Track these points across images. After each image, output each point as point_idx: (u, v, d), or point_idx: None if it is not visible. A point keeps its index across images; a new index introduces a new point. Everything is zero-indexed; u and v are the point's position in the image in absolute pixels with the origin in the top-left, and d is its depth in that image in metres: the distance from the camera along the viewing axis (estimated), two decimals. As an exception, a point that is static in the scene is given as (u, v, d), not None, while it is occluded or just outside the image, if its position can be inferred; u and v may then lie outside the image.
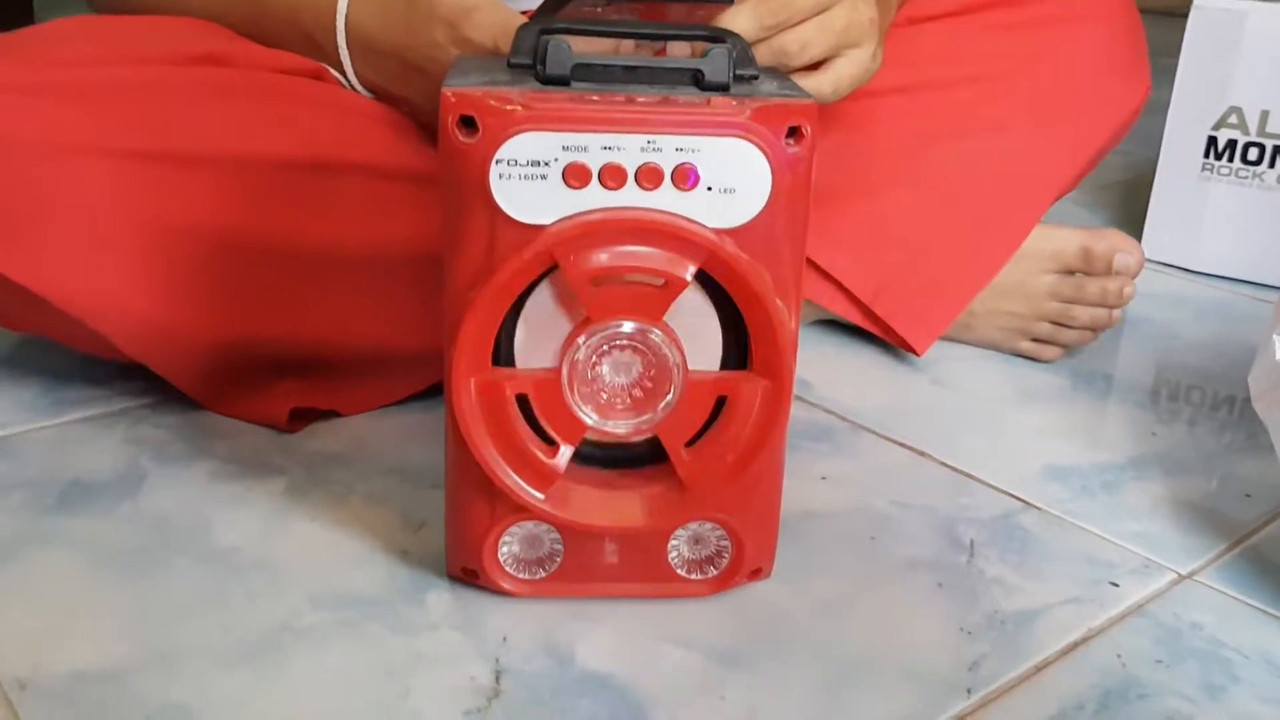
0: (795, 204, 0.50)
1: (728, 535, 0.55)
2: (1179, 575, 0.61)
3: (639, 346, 0.51)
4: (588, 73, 0.51)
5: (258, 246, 0.67)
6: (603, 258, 0.49)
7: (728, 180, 0.49)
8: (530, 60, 0.51)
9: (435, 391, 0.75)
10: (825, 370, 0.83)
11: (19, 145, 0.62)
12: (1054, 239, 0.82)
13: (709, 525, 0.55)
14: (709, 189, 0.49)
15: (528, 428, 0.53)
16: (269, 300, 0.68)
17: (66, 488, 0.64)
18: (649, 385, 0.52)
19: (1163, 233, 1.10)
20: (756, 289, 0.50)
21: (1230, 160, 1.05)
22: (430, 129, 0.72)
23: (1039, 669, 0.53)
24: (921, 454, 0.72)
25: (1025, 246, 0.82)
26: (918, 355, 0.83)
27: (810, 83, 0.64)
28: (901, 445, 0.73)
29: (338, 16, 0.69)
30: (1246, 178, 1.04)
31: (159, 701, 0.48)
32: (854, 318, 0.83)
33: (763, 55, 0.63)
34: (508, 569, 0.55)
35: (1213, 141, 1.05)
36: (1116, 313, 0.82)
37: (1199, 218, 1.07)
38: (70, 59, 0.65)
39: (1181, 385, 0.84)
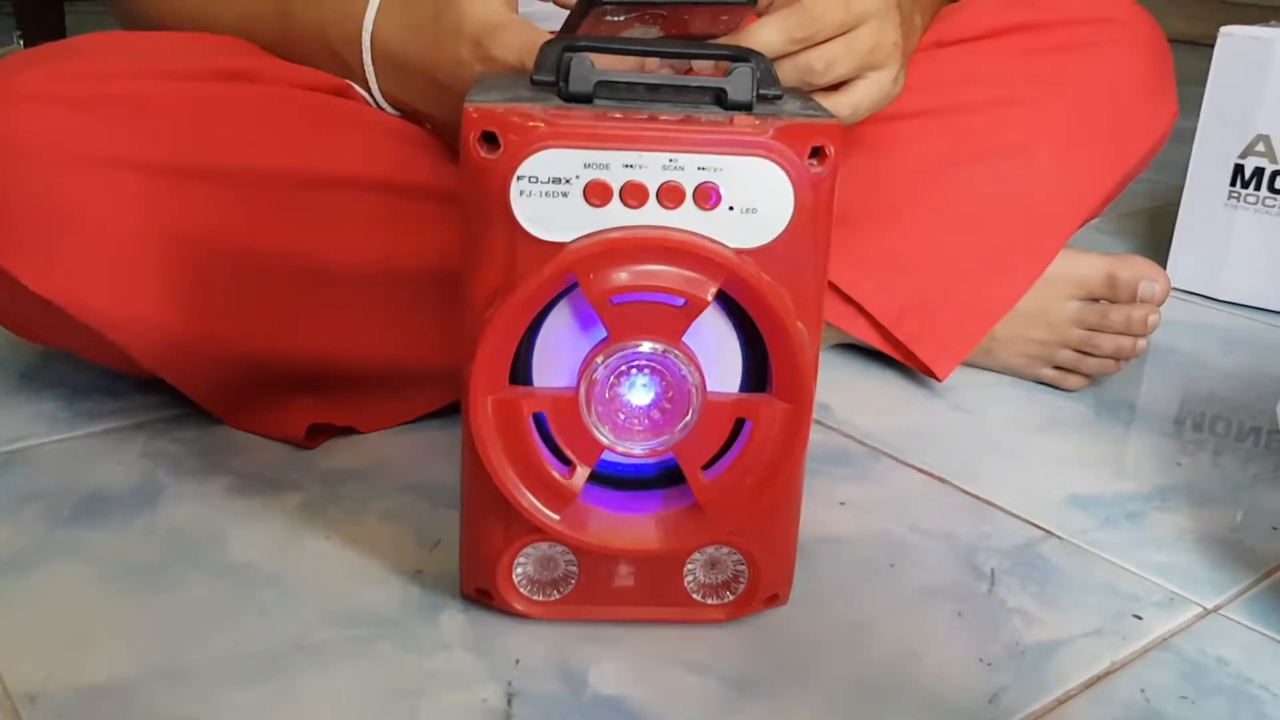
0: (818, 225, 0.50)
1: (744, 560, 0.55)
2: (1205, 609, 0.60)
3: (657, 367, 0.51)
4: (610, 90, 0.51)
5: (278, 262, 0.67)
6: (622, 277, 0.49)
7: (750, 200, 0.48)
8: (553, 77, 0.51)
9: (453, 410, 0.75)
10: (845, 394, 0.82)
11: (43, 155, 0.62)
12: (1079, 265, 0.81)
13: (725, 549, 0.55)
14: (731, 208, 0.48)
15: (544, 447, 0.52)
16: (288, 316, 0.68)
17: (82, 500, 0.64)
18: (667, 406, 0.51)
19: (1188, 261, 1.09)
20: (777, 311, 0.49)
21: (1257, 189, 1.04)
22: (454, 146, 0.72)
23: (1061, 702, 0.52)
24: (942, 480, 0.71)
25: (1049, 272, 0.81)
26: (939, 380, 0.82)
27: (829, 103, 0.64)
28: (921, 471, 0.72)
29: (363, 33, 0.69)
30: (1274, 206, 1.03)
31: (168, 717, 0.48)
32: (875, 342, 0.83)
33: (786, 72, 0.63)
34: (521, 590, 0.55)
35: (1239, 170, 1.04)
36: (1141, 342, 0.81)
37: (1224, 246, 1.06)
38: (97, 71, 0.66)
39: (1207, 416, 0.83)
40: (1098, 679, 0.54)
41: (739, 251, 0.49)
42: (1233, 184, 1.05)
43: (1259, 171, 1.04)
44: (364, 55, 0.70)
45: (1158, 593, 0.61)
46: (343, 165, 0.69)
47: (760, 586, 0.55)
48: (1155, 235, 1.21)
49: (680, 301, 0.50)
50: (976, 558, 0.63)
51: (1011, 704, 0.52)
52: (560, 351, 0.52)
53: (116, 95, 0.65)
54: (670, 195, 0.48)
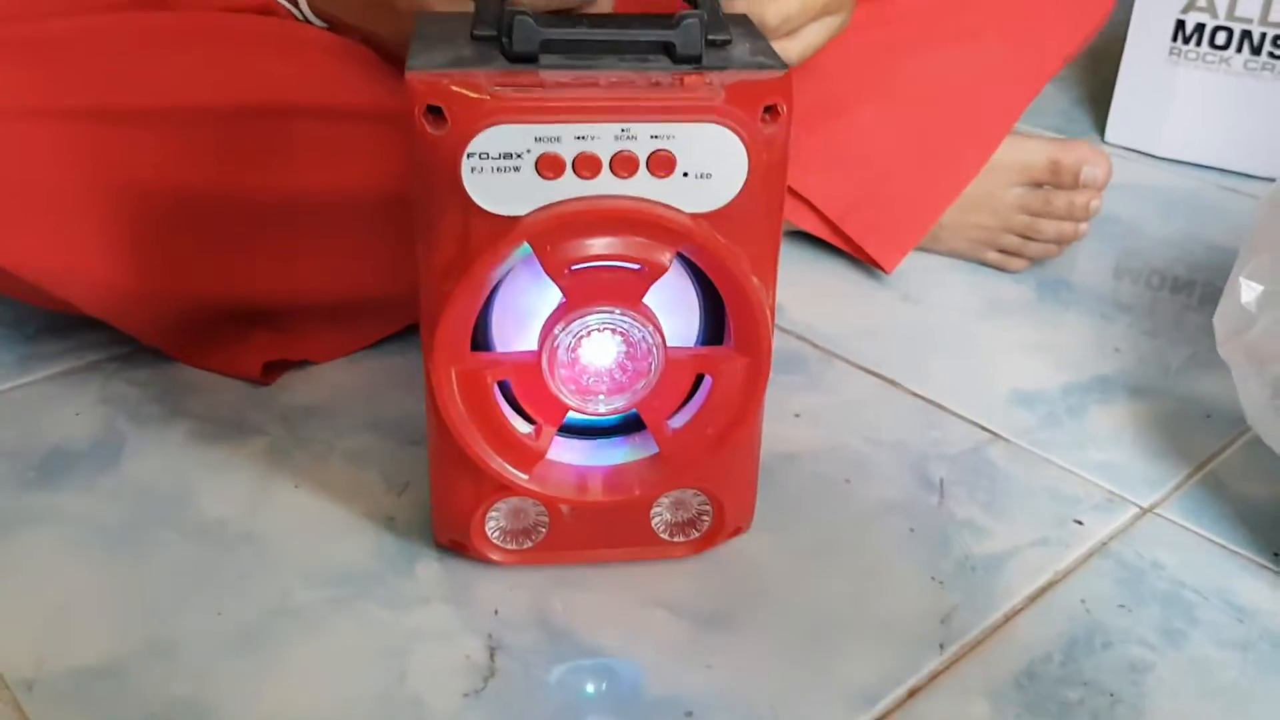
0: (772, 182, 0.50)
1: (709, 500, 0.57)
2: (1141, 509, 0.63)
3: (618, 329, 0.51)
4: (556, 47, 0.49)
5: (217, 200, 0.65)
6: (579, 248, 0.49)
7: (704, 165, 0.48)
8: (495, 32, 0.50)
9: (405, 334, 0.75)
10: (795, 288, 0.83)
11: (-47, 113, 0.60)
12: (1023, 151, 0.81)
13: (690, 491, 0.56)
14: (685, 174, 0.48)
15: (510, 410, 0.53)
16: (234, 255, 0.67)
17: (46, 457, 0.64)
18: (629, 365, 0.52)
19: (1128, 117, 1.09)
20: (735, 272, 0.50)
21: (1198, 44, 1.04)
22: (393, 59, 0.69)
23: (1008, 618, 0.56)
24: (892, 383, 0.73)
25: (994, 158, 0.81)
26: (886, 273, 0.83)
27: (778, 47, 0.63)
28: (873, 374, 0.74)
29: None
30: (1214, 62, 1.03)
31: (163, 697, 0.50)
32: (823, 234, 0.83)
33: (736, 8, 0.61)
34: (494, 541, 0.56)
35: (1181, 25, 1.04)
36: (1083, 226, 0.83)
37: (1165, 102, 1.07)
38: (1, 14, 0.62)
39: (1145, 292, 0.85)
40: (1042, 591, 0.57)
41: (695, 216, 0.49)
42: (1174, 39, 1.04)
43: (1200, 27, 1.03)
44: None
45: (1097, 494, 0.64)
46: (274, 93, 0.66)
47: (724, 523, 0.57)
48: (1095, 85, 1.21)
49: (638, 266, 0.50)
50: (927, 467, 0.66)
51: (962, 624, 0.55)
52: (519, 314, 0.52)
53: (22, 39, 0.62)
54: (624, 165, 0.47)
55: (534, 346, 0.52)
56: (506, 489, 0.54)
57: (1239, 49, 1.02)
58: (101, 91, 0.62)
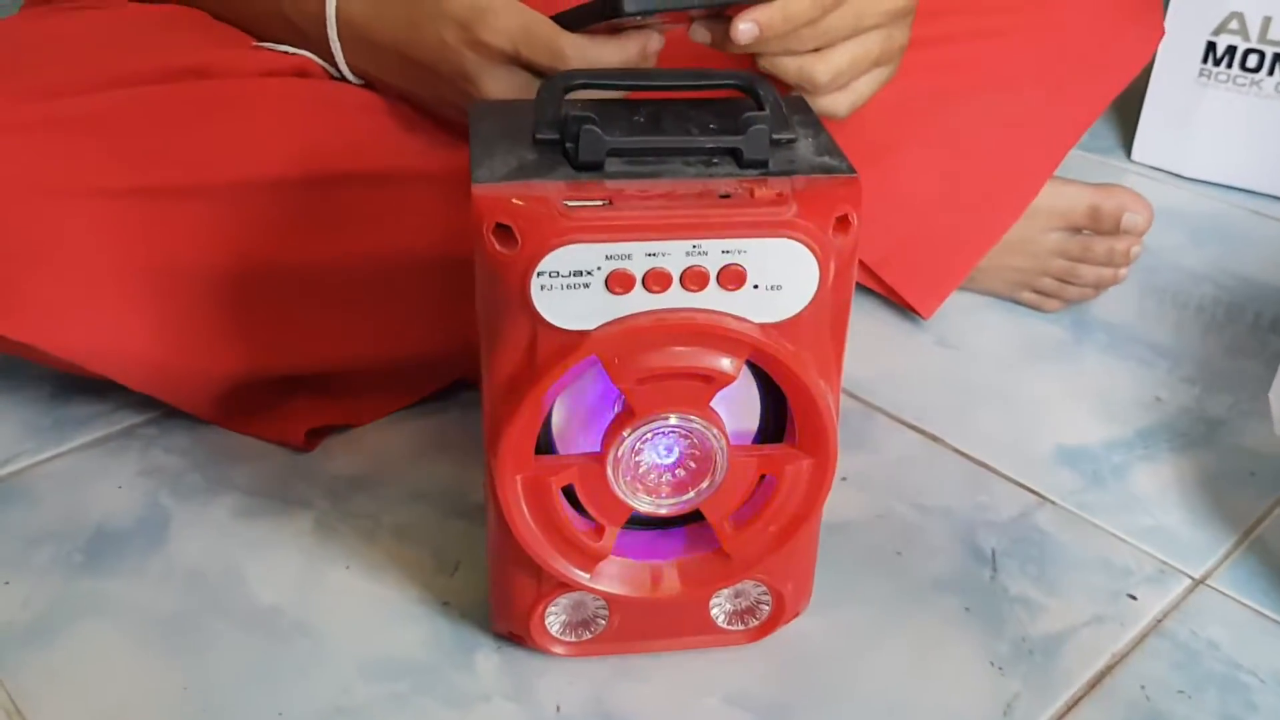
0: (841, 288, 0.49)
1: (768, 590, 0.56)
2: (1193, 580, 0.63)
3: (683, 432, 0.51)
4: (622, 155, 0.48)
5: (260, 273, 0.64)
6: (648, 360, 0.48)
7: (775, 278, 0.47)
8: (557, 135, 0.49)
9: (445, 393, 0.74)
10: (831, 333, 0.82)
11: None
12: (1063, 196, 0.80)
13: (750, 582, 0.56)
14: (755, 286, 0.47)
15: (572, 511, 0.53)
16: (279, 326, 0.66)
17: (91, 537, 0.63)
18: (692, 465, 0.52)
19: (1155, 136, 1.08)
20: (802, 378, 0.49)
21: (1229, 66, 1.02)
22: (432, 114, 0.68)
23: (1069, 708, 0.56)
24: (935, 439, 0.73)
25: (1033, 204, 0.80)
26: (924, 319, 0.82)
27: (827, 101, 0.62)
28: (915, 429, 0.74)
29: (327, 7, 0.64)
30: (1244, 85, 1.02)
31: (232, 810, 0.50)
32: (861, 279, 0.82)
33: (789, 71, 0.60)
34: (555, 634, 0.56)
35: (1212, 47, 1.03)
36: (1122, 271, 0.82)
37: (1193, 123, 1.06)
38: (43, 88, 0.61)
39: (1182, 332, 0.85)
40: (1100, 676, 0.57)
41: (764, 326, 0.48)
42: (1204, 61, 1.03)
43: (1231, 50, 1.02)
44: (329, 31, 0.65)
45: (1148, 564, 0.64)
46: (316, 162, 0.65)
47: (783, 611, 0.57)
48: (1124, 107, 1.20)
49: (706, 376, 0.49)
50: (977, 536, 0.66)
51: (1025, 713, 0.55)
52: (582, 412, 0.52)
53: (70, 116, 0.60)
54: (694, 279, 0.47)
55: (596, 445, 0.51)
56: (568, 585, 0.54)
57: (1270, 72, 1.01)
58: (143, 170, 0.61)
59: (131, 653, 0.57)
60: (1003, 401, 0.77)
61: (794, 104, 0.55)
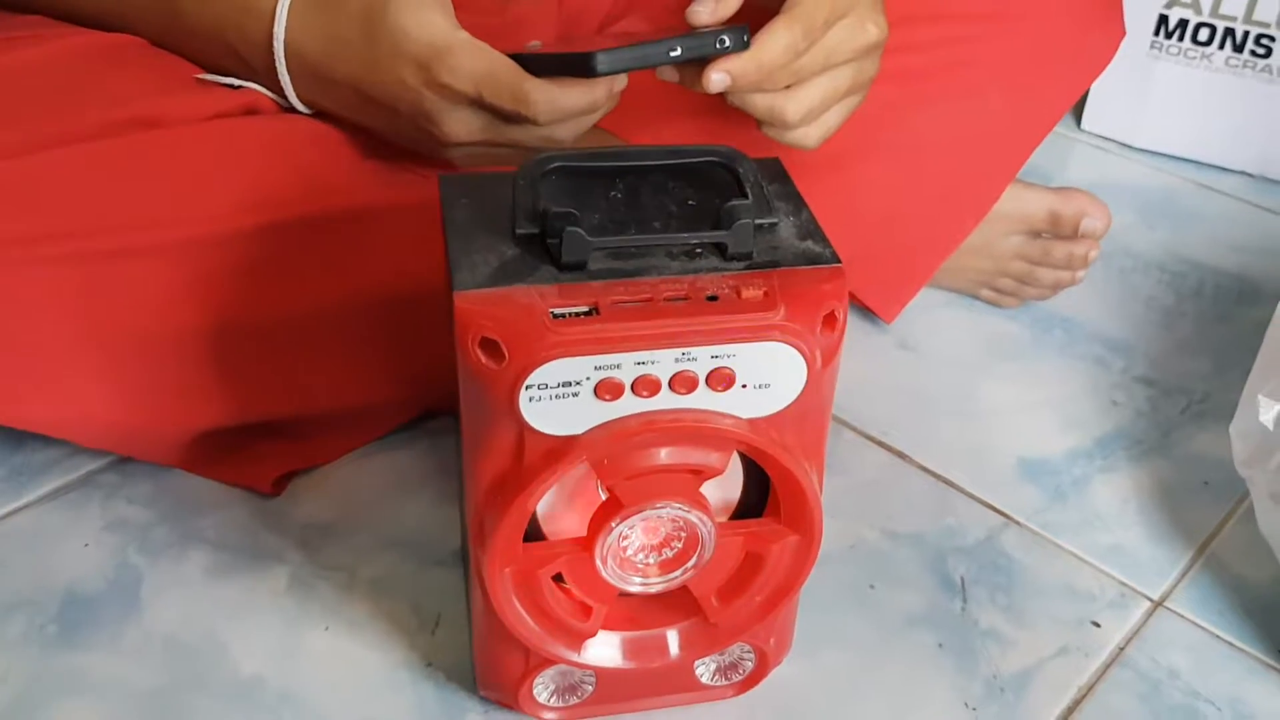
0: (826, 381, 0.49)
1: (752, 650, 0.57)
2: (1152, 603, 0.66)
3: (670, 518, 0.51)
4: (606, 253, 0.47)
5: (218, 328, 0.63)
6: (637, 460, 0.48)
7: (763, 377, 0.47)
8: (538, 230, 0.47)
9: (410, 423, 0.73)
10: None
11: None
12: (1023, 201, 0.81)
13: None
14: (744, 386, 0.47)
15: (560, 594, 0.53)
16: (238, 379, 0.64)
17: (63, 605, 0.62)
18: (679, 546, 0.52)
19: (1106, 108, 1.09)
20: (788, 467, 0.49)
21: (1180, 40, 1.02)
22: (389, 143, 0.66)
23: (1040, 748, 0.58)
24: (901, 457, 0.74)
25: (994, 208, 0.80)
26: (887, 323, 0.83)
27: (797, 134, 0.61)
28: (882, 445, 0.75)
29: (275, 40, 0.61)
30: (1195, 58, 1.03)
31: None
32: (821, 282, 0.82)
33: (759, 108, 0.59)
34: (543, 701, 0.57)
35: (1164, 20, 1.02)
36: (1080, 273, 0.83)
37: (1144, 95, 1.06)
38: (-22, 150, 0.57)
39: (1136, 326, 0.86)
40: (1068, 713, 0.60)
41: (752, 421, 0.48)
42: (1156, 34, 1.03)
43: (1183, 23, 1.02)
44: (278, 64, 0.62)
45: (1110, 588, 0.66)
46: (273, 209, 0.63)
47: (766, 666, 0.58)
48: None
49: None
50: (947, 564, 0.67)
51: (998, 757, 0.58)
52: (570, 502, 0.51)
53: (5, 181, 0.57)
54: (683, 383, 0.46)
55: (582, 529, 0.51)
56: (555, 659, 0.54)
57: (1221, 46, 1.01)
58: (89, 233, 0.58)
59: (115, 735, 0.57)
60: (965, 410, 0.78)
61: (771, 171, 0.54)
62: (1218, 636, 0.64)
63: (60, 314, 0.59)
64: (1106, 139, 1.09)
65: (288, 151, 0.64)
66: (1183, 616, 0.65)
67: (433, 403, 0.73)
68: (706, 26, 0.57)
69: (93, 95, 0.61)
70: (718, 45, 0.56)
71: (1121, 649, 0.63)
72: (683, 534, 0.52)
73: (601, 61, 0.55)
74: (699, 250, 0.48)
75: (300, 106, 0.65)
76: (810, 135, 0.62)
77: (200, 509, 0.68)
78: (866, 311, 0.85)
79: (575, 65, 0.56)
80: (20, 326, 0.58)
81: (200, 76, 0.65)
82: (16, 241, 0.57)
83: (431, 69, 0.57)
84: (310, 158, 0.65)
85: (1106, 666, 0.62)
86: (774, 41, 0.57)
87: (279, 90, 0.64)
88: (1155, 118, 1.06)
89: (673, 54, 0.56)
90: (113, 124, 0.60)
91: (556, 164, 0.50)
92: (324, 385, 0.67)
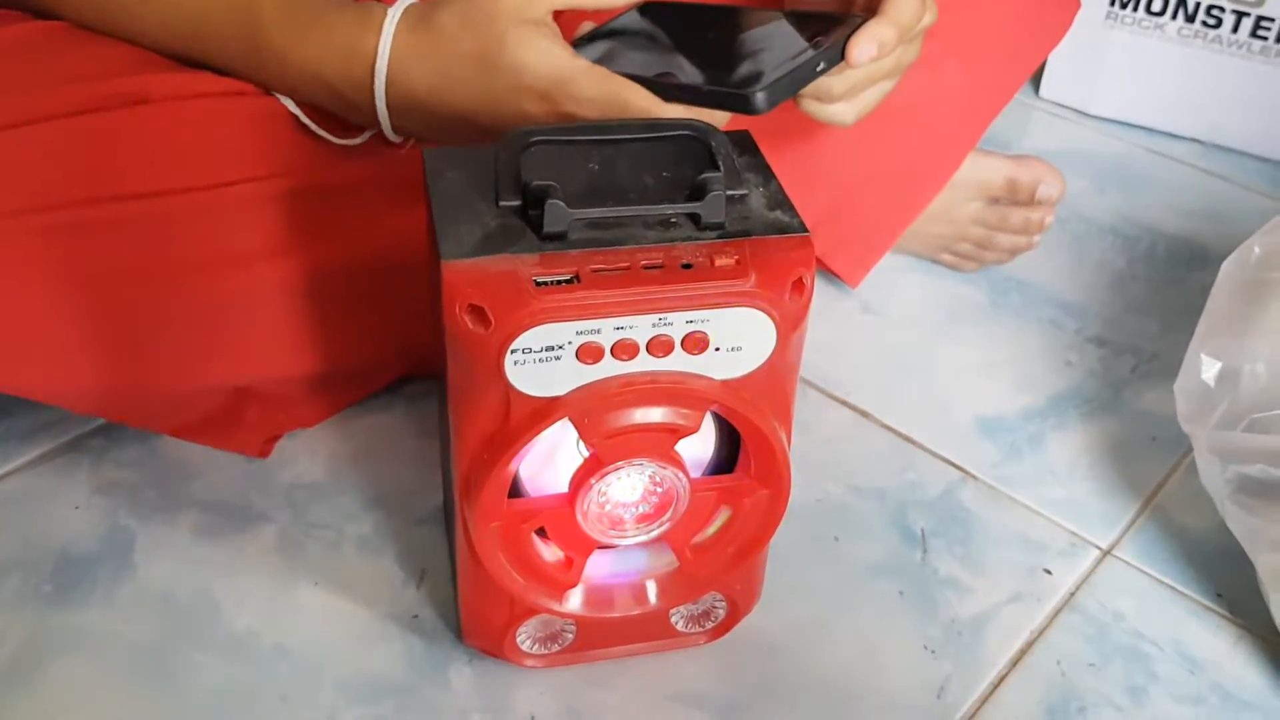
0: (794, 344, 0.52)
1: (724, 598, 0.60)
2: (1101, 551, 0.69)
3: (647, 474, 0.53)
4: (586, 223, 0.49)
5: (202, 296, 0.64)
6: (617, 420, 0.50)
7: (735, 340, 0.50)
8: (520, 202, 0.49)
9: (387, 389, 0.76)
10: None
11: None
12: (981, 169, 0.84)
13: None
14: (717, 349, 0.50)
15: (543, 546, 0.55)
16: (223, 346, 0.66)
17: (57, 566, 0.64)
18: (655, 499, 0.55)
19: (1063, 75, 1.12)
20: (759, 425, 0.52)
21: (1135, 10, 1.05)
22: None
23: (994, 687, 0.62)
24: (864, 415, 0.77)
25: (955, 175, 0.83)
26: (852, 288, 0.85)
27: (835, 109, 0.63)
28: (845, 404, 0.78)
29: (376, 77, 0.60)
30: (1149, 28, 1.06)
31: (237, 847, 0.53)
32: (788, 247, 0.85)
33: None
34: (525, 650, 0.59)
35: (1118, -11, 1.05)
36: (1036, 238, 0.86)
37: (1100, 63, 1.09)
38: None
39: (1088, 288, 0.90)
40: (1021, 653, 0.63)
41: (724, 382, 0.51)
42: (1111, 4, 1.06)
43: (1137, -8, 1.05)
44: (377, 101, 0.61)
45: (1061, 537, 0.70)
46: (263, 178, 0.64)
47: (737, 613, 0.61)
48: (1027, 27, 1.22)
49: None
50: (907, 517, 0.70)
51: (956, 696, 0.61)
52: (551, 459, 0.54)
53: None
54: (660, 347, 0.49)
55: (563, 485, 0.54)
56: (538, 609, 0.57)
57: (1174, 16, 1.04)
58: (78, 205, 0.59)
59: (115, 689, 0.59)
60: (925, 371, 0.81)
61: (741, 144, 0.56)
62: (1161, 582, 0.68)
63: (48, 283, 0.60)
64: (1063, 106, 1.12)
65: (274, 128, 0.66)
66: (1129, 564, 0.69)
67: (412, 367, 0.75)
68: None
69: (77, 69, 0.62)
70: (847, 39, 0.58)
71: (1072, 594, 0.67)
72: (659, 489, 0.54)
73: (762, 101, 0.56)
74: (674, 220, 0.50)
75: (393, 137, 0.64)
76: (848, 113, 0.63)
77: (188, 471, 0.70)
78: (832, 276, 0.87)
79: (726, 100, 0.57)
80: (8, 295, 0.59)
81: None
82: (3, 214, 0.58)
83: (555, 99, 0.57)
84: (295, 134, 0.66)
85: (1057, 611, 0.66)
86: (906, 4, 0.59)
87: (374, 121, 0.63)
88: (1110, 86, 1.09)
89: (819, 69, 0.58)
90: (98, 98, 0.61)
91: (537, 138, 0.52)
92: (309, 350, 0.69)
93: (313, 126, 0.65)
